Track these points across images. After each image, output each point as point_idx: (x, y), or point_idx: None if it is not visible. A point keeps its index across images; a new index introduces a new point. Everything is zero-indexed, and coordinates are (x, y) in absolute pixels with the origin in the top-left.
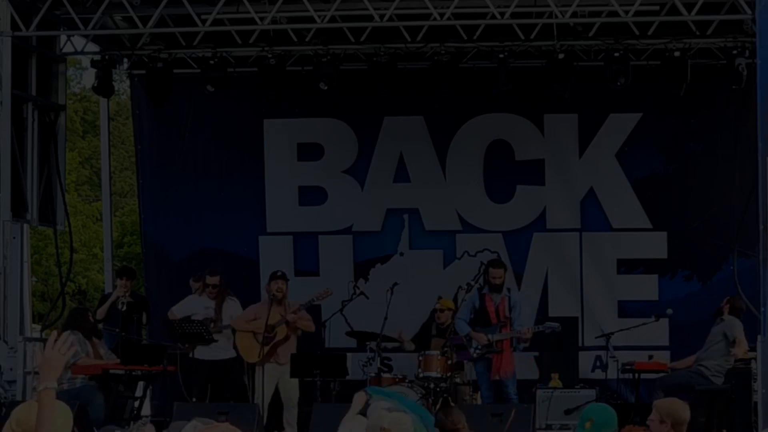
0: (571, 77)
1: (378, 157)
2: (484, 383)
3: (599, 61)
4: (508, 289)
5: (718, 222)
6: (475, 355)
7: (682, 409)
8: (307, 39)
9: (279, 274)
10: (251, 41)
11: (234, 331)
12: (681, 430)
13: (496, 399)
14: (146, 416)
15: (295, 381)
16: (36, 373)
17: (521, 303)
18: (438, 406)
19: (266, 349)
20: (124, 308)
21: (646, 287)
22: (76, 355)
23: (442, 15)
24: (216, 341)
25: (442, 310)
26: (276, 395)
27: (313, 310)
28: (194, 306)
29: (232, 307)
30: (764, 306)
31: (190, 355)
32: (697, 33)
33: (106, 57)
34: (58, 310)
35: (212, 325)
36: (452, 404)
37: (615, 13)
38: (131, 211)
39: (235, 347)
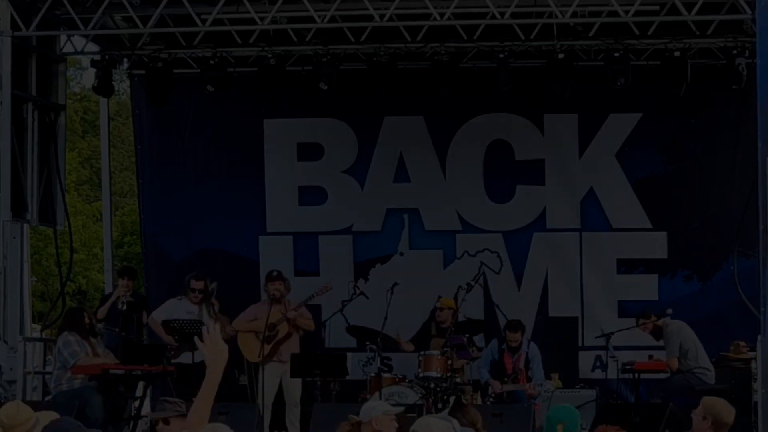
0: (571, 77)
1: (378, 157)
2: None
3: (599, 61)
4: (528, 342)
5: (718, 222)
6: (488, 402)
7: (727, 411)
8: (307, 39)
9: (275, 274)
10: (251, 41)
11: (236, 333)
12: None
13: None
14: (146, 416)
15: (298, 380)
16: (36, 373)
17: (538, 357)
18: (451, 406)
19: (268, 347)
20: (125, 308)
21: (646, 287)
22: (75, 354)
23: (442, 15)
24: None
25: (442, 309)
26: (279, 394)
27: (313, 309)
28: (175, 310)
29: (214, 308)
30: (764, 306)
31: (172, 361)
32: (697, 33)
33: (106, 57)
34: (58, 310)
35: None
36: (465, 402)
37: (615, 13)
38: (131, 211)
39: (237, 348)
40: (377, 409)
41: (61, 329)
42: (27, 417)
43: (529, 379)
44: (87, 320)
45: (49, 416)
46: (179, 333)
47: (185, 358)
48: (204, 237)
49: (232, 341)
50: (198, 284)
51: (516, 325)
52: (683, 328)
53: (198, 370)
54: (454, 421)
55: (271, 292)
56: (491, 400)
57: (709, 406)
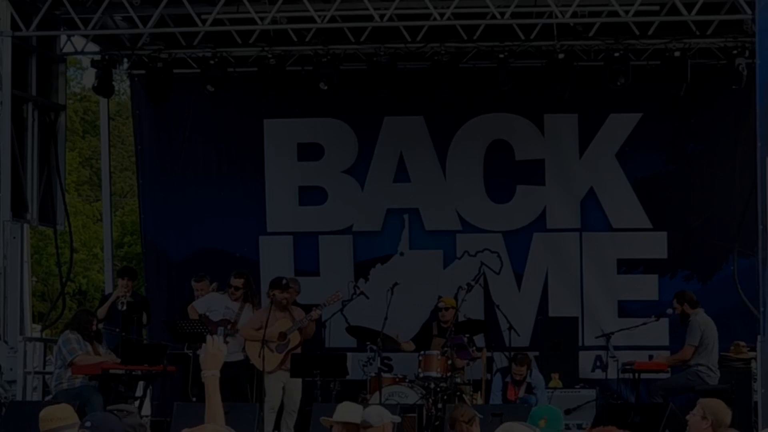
0: (571, 77)
1: (378, 157)
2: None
3: (599, 61)
4: (530, 372)
5: (718, 222)
6: None
7: (725, 412)
8: (307, 39)
9: (284, 282)
10: (251, 41)
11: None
12: None
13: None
14: (146, 416)
15: (299, 385)
16: (36, 373)
17: (542, 385)
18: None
19: (281, 356)
20: (124, 308)
21: (646, 287)
22: (74, 352)
23: (442, 15)
24: (227, 342)
25: (446, 309)
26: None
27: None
28: (214, 304)
29: (248, 313)
30: (764, 306)
31: (198, 353)
32: (697, 33)
33: (106, 57)
34: (58, 310)
35: (229, 326)
36: (459, 402)
37: (615, 13)
38: (131, 211)
39: (245, 354)
40: (386, 416)
41: (66, 326)
42: (68, 415)
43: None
44: (94, 327)
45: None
46: (181, 332)
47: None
48: (204, 237)
49: None
50: (237, 281)
51: (522, 359)
52: (710, 322)
53: (224, 370)
54: (537, 430)
55: (279, 299)
56: None
57: (709, 407)
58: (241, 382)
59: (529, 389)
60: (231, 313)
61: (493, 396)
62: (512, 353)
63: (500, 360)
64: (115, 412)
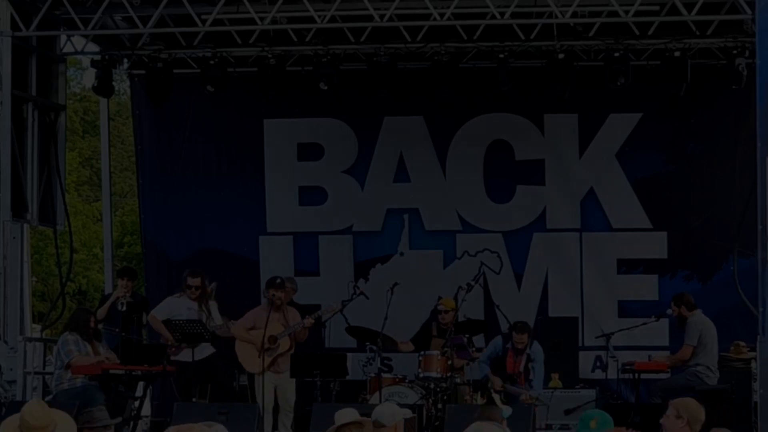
0: (571, 77)
1: (378, 157)
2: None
3: (599, 61)
4: (532, 342)
5: (718, 222)
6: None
7: (698, 408)
8: (307, 39)
9: (278, 282)
10: (251, 41)
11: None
12: (696, 429)
13: None
14: (146, 416)
15: (293, 386)
16: (36, 373)
17: (540, 357)
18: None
19: (268, 360)
20: (124, 308)
21: (646, 287)
22: (70, 354)
23: (442, 15)
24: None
25: (447, 311)
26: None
27: (313, 310)
28: (175, 307)
29: (214, 307)
30: (764, 306)
31: (172, 358)
32: (697, 33)
33: (106, 57)
34: (58, 310)
35: (216, 326)
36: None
37: (615, 13)
38: (131, 211)
39: (235, 354)
40: (398, 414)
41: (65, 327)
42: (49, 421)
43: (528, 382)
44: (92, 324)
45: (64, 418)
46: (181, 332)
47: (185, 356)
48: (204, 237)
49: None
50: (194, 281)
51: (523, 327)
52: (708, 323)
53: (198, 368)
54: (507, 429)
55: (273, 299)
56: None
57: (682, 406)
58: (227, 374)
59: (528, 363)
60: (194, 313)
61: (485, 354)
62: (512, 322)
63: None
64: None
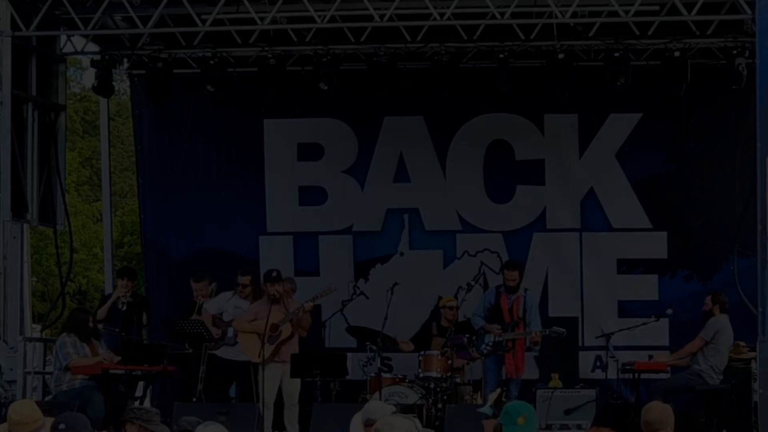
0: (571, 77)
1: (378, 157)
2: (491, 380)
3: (599, 61)
4: (525, 290)
5: (718, 222)
6: (485, 351)
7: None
8: (307, 39)
9: (273, 275)
10: (251, 41)
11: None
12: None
13: None
14: None
15: (297, 379)
16: (36, 373)
17: (536, 304)
18: (493, 400)
19: (271, 348)
20: (124, 308)
21: (646, 287)
22: (68, 356)
23: (442, 15)
24: (237, 343)
25: (451, 308)
26: (278, 394)
27: (313, 310)
28: (224, 304)
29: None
30: (764, 306)
31: (209, 351)
32: (697, 33)
33: (106, 57)
34: (58, 310)
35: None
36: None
37: (615, 13)
38: (131, 211)
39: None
40: (388, 411)
41: (63, 328)
42: (35, 418)
43: (526, 328)
44: (91, 323)
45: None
46: (182, 337)
47: (223, 352)
48: (204, 237)
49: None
50: (243, 279)
51: (514, 264)
52: (729, 329)
53: (232, 367)
54: (417, 420)
55: (270, 292)
56: (488, 348)
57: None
58: (249, 381)
59: (524, 309)
60: (242, 312)
61: (478, 306)
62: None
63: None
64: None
